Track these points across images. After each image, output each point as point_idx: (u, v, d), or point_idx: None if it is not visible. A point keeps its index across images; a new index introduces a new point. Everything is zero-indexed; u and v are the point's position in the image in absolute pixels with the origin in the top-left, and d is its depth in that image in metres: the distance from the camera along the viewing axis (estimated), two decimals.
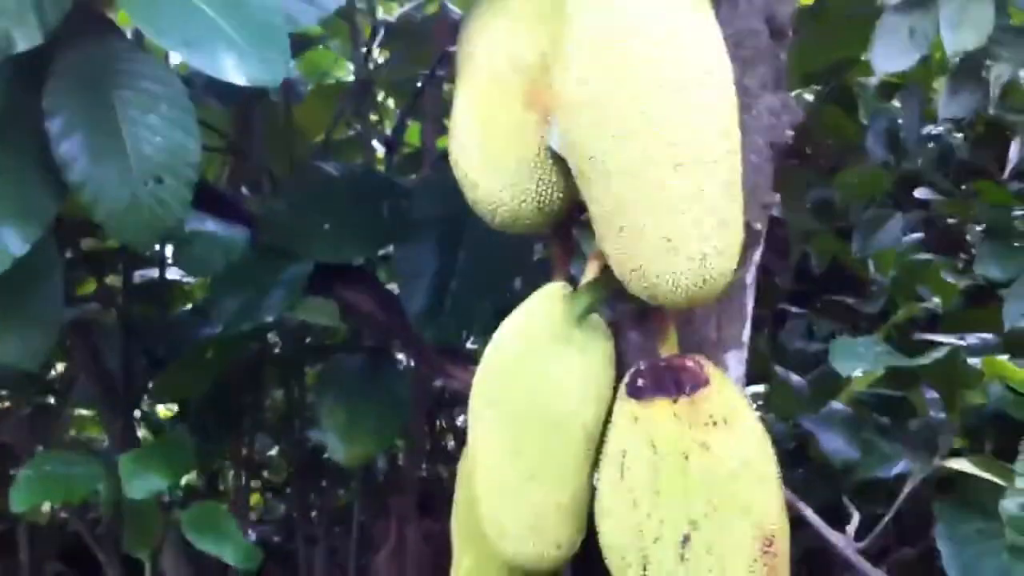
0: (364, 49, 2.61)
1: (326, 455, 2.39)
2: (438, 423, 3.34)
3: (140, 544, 2.00)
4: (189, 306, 2.81)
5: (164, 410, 2.95)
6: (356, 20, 2.54)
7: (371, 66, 2.67)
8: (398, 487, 2.80)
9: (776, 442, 1.37)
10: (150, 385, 2.44)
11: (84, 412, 3.13)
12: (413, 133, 2.85)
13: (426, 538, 2.71)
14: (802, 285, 2.68)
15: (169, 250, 2.26)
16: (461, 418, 3.33)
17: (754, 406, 1.43)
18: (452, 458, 3.17)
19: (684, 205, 1.21)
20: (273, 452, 3.43)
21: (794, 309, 2.63)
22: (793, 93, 2.60)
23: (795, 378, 2.13)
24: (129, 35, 1.36)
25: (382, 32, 2.66)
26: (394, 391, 2.09)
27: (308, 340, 2.73)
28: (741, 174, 1.27)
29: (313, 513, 3.03)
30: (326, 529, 2.92)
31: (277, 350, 2.75)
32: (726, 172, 1.23)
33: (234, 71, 1.07)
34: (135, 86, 1.25)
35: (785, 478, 1.36)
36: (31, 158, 1.26)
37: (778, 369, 2.13)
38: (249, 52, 1.08)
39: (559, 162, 1.38)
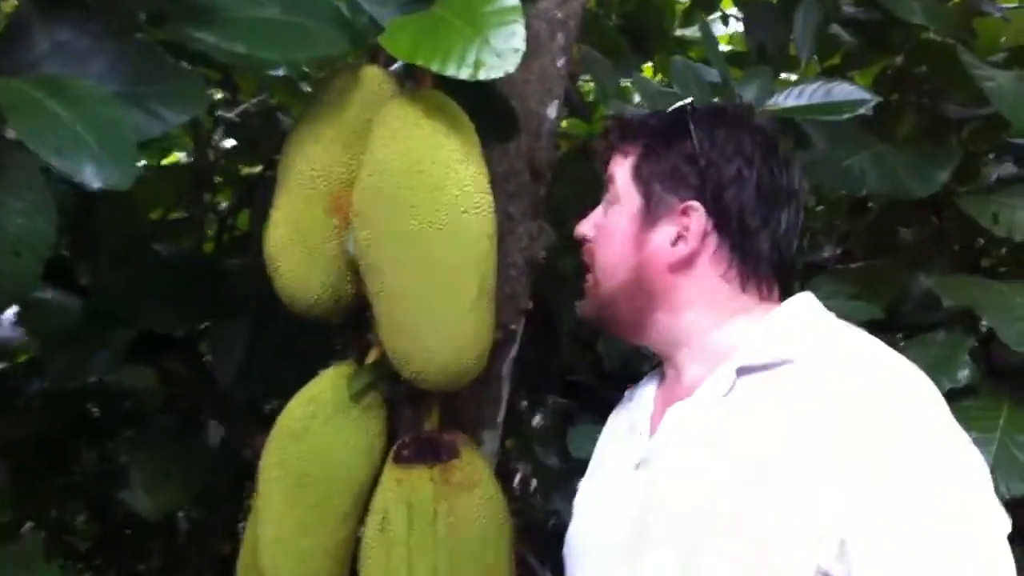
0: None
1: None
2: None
3: None
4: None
5: None
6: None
7: (211, 155, 2.93)
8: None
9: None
10: None
11: None
12: (243, 218, 3.11)
13: None
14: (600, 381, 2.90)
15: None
16: None
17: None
18: None
19: (446, 310, 1.51)
20: (81, 518, 3.45)
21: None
22: None
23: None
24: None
25: (222, 127, 2.93)
26: (201, 450, 2.31)
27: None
28: (496, 287, 1.58)
29: None
30: None
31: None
32: (481, 287, 1.53)
33: (93, 176, 1.34)
34: (6, 176, 1.50)
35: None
36: None
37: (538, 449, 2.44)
38: (106, 160, 1.35)
39: (352, 263, 1.63)
